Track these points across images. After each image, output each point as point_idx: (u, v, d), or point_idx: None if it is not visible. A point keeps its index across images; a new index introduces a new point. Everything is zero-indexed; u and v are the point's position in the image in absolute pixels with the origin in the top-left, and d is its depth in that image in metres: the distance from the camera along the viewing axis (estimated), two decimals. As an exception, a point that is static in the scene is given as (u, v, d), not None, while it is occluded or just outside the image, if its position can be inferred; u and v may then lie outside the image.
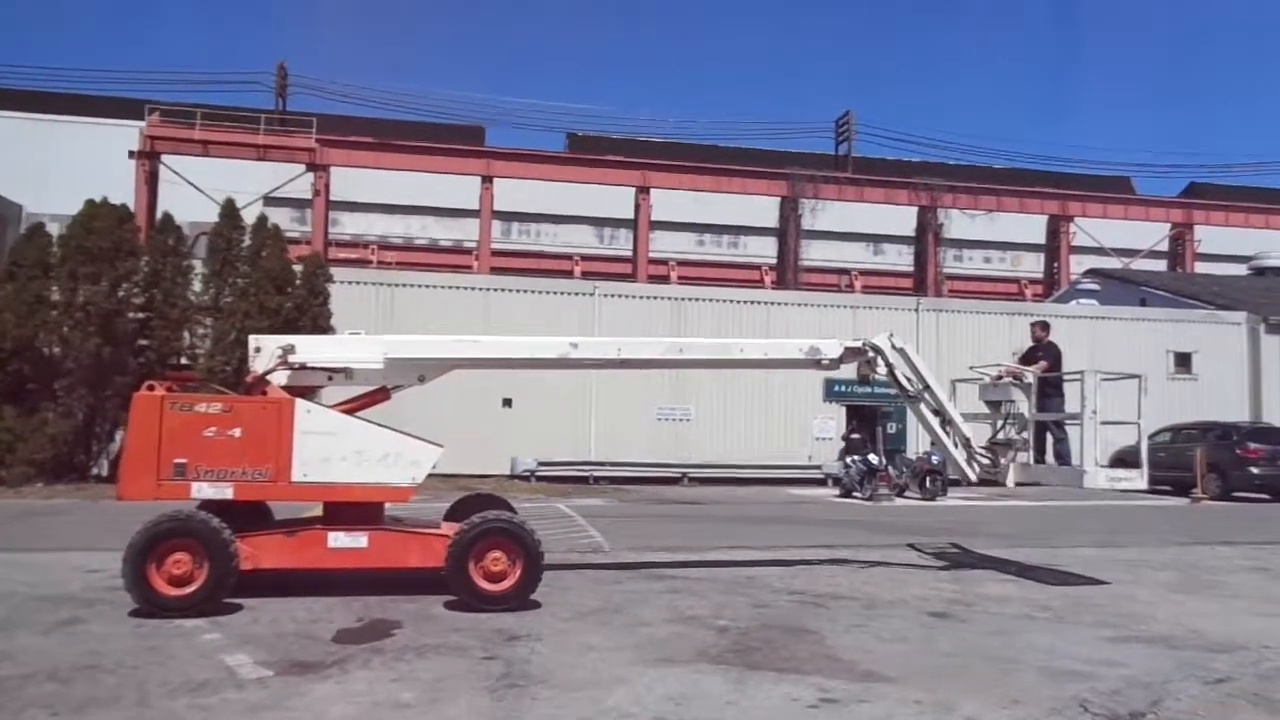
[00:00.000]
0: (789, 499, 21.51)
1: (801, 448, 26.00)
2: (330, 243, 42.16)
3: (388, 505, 8.24)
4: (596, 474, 24.55)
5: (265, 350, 8.35)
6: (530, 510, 11.76)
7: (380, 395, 8.80)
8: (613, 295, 27.06)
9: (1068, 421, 10.54)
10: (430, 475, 8.21)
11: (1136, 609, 8.45)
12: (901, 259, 52.39)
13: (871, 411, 26.50)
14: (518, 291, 26.59)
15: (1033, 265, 52.75)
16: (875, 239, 55.06)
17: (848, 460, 22.20)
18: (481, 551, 7.66)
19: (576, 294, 27.21)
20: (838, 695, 5.58)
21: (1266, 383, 29.60)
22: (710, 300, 27.21)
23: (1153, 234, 49.85)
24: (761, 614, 7.87)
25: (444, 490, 14.85)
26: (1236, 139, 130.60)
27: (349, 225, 50.23)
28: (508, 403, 24.77)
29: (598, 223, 53.17)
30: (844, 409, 26.65)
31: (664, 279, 45.83)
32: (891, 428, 26.49)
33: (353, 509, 7.94)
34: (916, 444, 25.37)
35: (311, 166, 41.13)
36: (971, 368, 11.45)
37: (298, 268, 21.85)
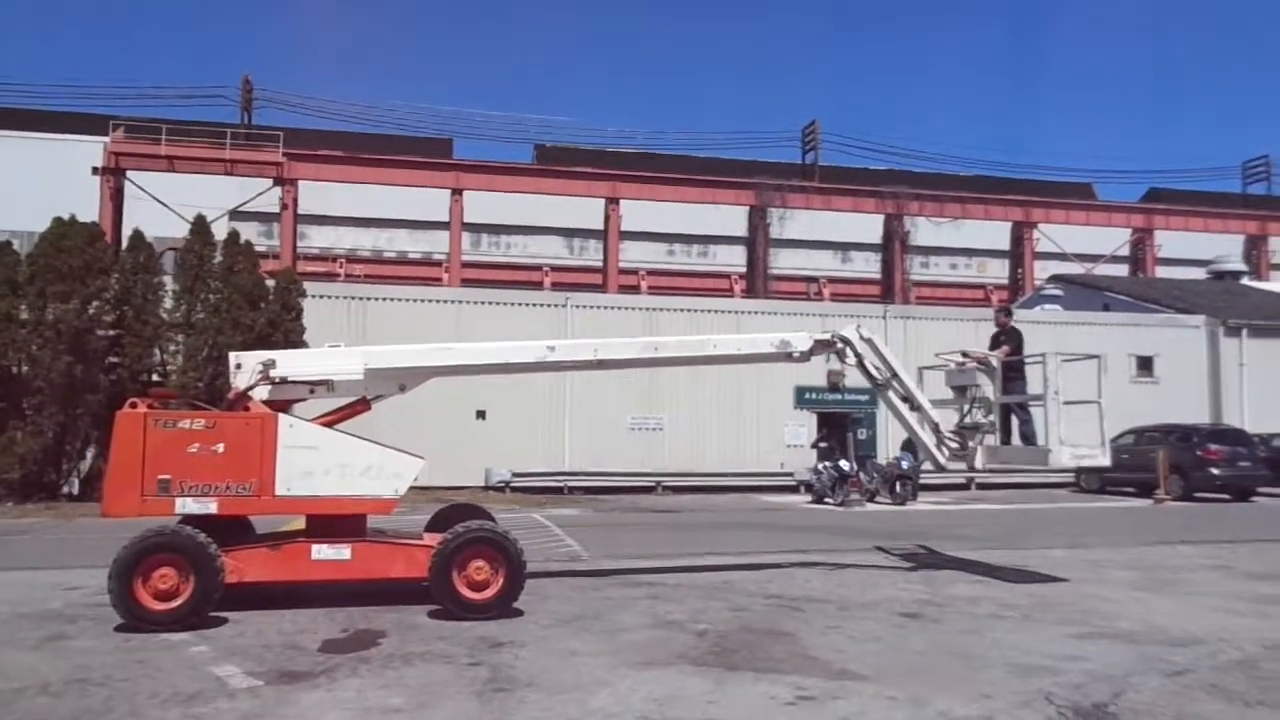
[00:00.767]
0: (762, 506, 21.74)
1: (774, 455, 26.24)
2: (299, 256, 41.99)
3: (370, 517, 8.35)
4: (571, 484, 24.66)
5: (246, 366, 8.44)
6: (507, 521, 11.80)
7: (361, 406, 8.92)
8: (584, 306, 27.23)
9: (1031, 403, 10.76)
10: (407, 487, 8.33)
11: (1101, 607, 8.72)
12: (869, 266, 52.93)
13: (842, 418, 26.76)
14: (489, 304, 26.70)
15: (998, 271, 53.51)
16: (843, 247, 55.61)
17: (819, 466, 22.44)
18: (465, 561, 7.80)
19: (548, 305, 27.39)
20: (814, 693, 5.78)
21: (1226, 385, 30.22)
22: (681, 310, 27.42)
23: (1114, 239, 50.73)
24: (739, 617, 8.05)
25: (420, 502, 14.93)
26: (1195, 144, 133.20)
27: (317, 239, 50.04)
28: (481, 414, 24.88)
29: (568, 233, 53.32)
30: (815, 416, 26.91)
31: (635, 289, 46.05)
32: (862, 434, 26.76)
33: (336, 521, 8.05)
34: (887, 450, 25.74)
35: (279, 181, 40.98)
36: (937, 355, 11.71)
37: (270, 283, 21.82)
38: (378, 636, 7.18)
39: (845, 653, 6.82)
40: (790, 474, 25.41)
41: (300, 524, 8.40)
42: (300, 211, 42.67)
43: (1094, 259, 49.59)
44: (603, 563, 11.43)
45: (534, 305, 27.35)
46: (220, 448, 7.63)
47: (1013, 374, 10.92)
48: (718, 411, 26.37)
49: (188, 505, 7.58)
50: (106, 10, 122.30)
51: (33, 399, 19.28)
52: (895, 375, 10.55)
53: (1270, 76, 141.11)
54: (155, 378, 20.44)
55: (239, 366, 8.47)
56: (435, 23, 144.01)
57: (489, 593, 7.82)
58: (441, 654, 6.65)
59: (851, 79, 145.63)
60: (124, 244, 25.03)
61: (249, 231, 31.25)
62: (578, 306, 26.94)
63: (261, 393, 8.31)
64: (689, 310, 27.48)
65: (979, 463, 10.63)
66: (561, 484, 24.59)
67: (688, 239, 55.08)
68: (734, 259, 51.83)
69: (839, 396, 26.88)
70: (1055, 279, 40.53)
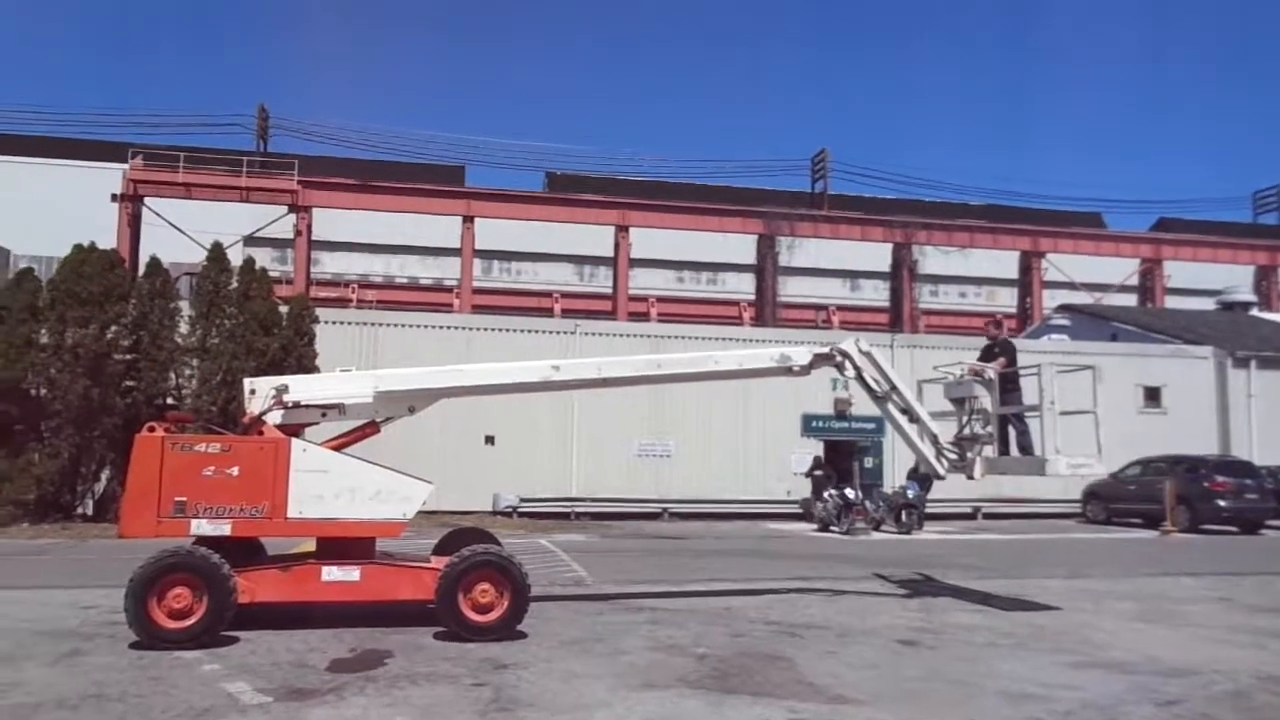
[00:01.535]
0: (767, 533, 21.84)
1: (780, 483, 26.34)
2: (312, 281, 42.37)
3: (379, 540, 8.55)
4: (578, 509, 24.81)
5: (260, 391, 8.68)
6: (513, 546, 12.01)
7: (370, 429, 9.13)
8: (593, 334, 27.47)
9: (1028, 414, 10.83)
10: (414, 511, 8.52)
11: (1097, 636, 8.83)
12: (878, 294, 53.13)
13: (848, 447, 26.92)
14: (499, 331, 26.98)
15: (1007, 300, 53.54)
16: (852, 275, 55.86)
17: (825, 494, 22.53)
18: (470, 584, 7.99)
19: (557, 332, 27.63)
20: (808, 716, 5.93)
21: (1235, 416, 30.20)
22: (690, 338, 27.61)
23: (1123, 269, 50.77)
24: (738, 642, 8.20)
25: (427, 527, 15.08)
26: (1206, 175, 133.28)
27: (330, 264, 50.55)
28: (490, 440, 25.08)
29: (578, 260, 53.73)
30: (821, 444, 27.06)
31: (644, 315, 46.27)
32: (869, 462, 26.91)
33: (346, 544, 8.25)
34: (893, 478, 25.81)
35: (293, 208, 41.39)
36: (935, 367, 11.91)
37: (284, 309, 22.15)
38: (385, 656, 7.36)
39: (841, 678, 6.96)
40: (796, 501, 25.48)
41: (310, 546, 8.59)
42: (314, 237, 43.10)
43: (1103, 288, 49.64)
44: (606, 587, 11.59)
45: (543, 332, 27.60)
46: (235, 471, 7.85)
47: (1009, 386, 11.04)
48: (724, 439, 26.52)
49: (202, 527, 7.80)
50: (126, 40, 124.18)
51: (50, 421, 19.59)
52: (894, 388, 10.76)
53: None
54: (170, 401, 20.73)
55: (253, 392, 8.70)
56: (448, 51, 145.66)
57: (493, 615, 8.00)
58: (446, 674, 6.82)
59: (860, 108, 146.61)
60: (141, 269, 25.43)
61: (263, 257, 31.73)
62: (587, 334, 27.19)
63: (275, 417, 8.53)
64: (697, 338, 27.66)
65: (977, 473, 10.76)
66: (568, 509, 24.73)
67: (697, 266, 55.42)
68: (743, 286, 52.09)
69: (846, 424, 27.10)
70: (1063, 309, 40.59)
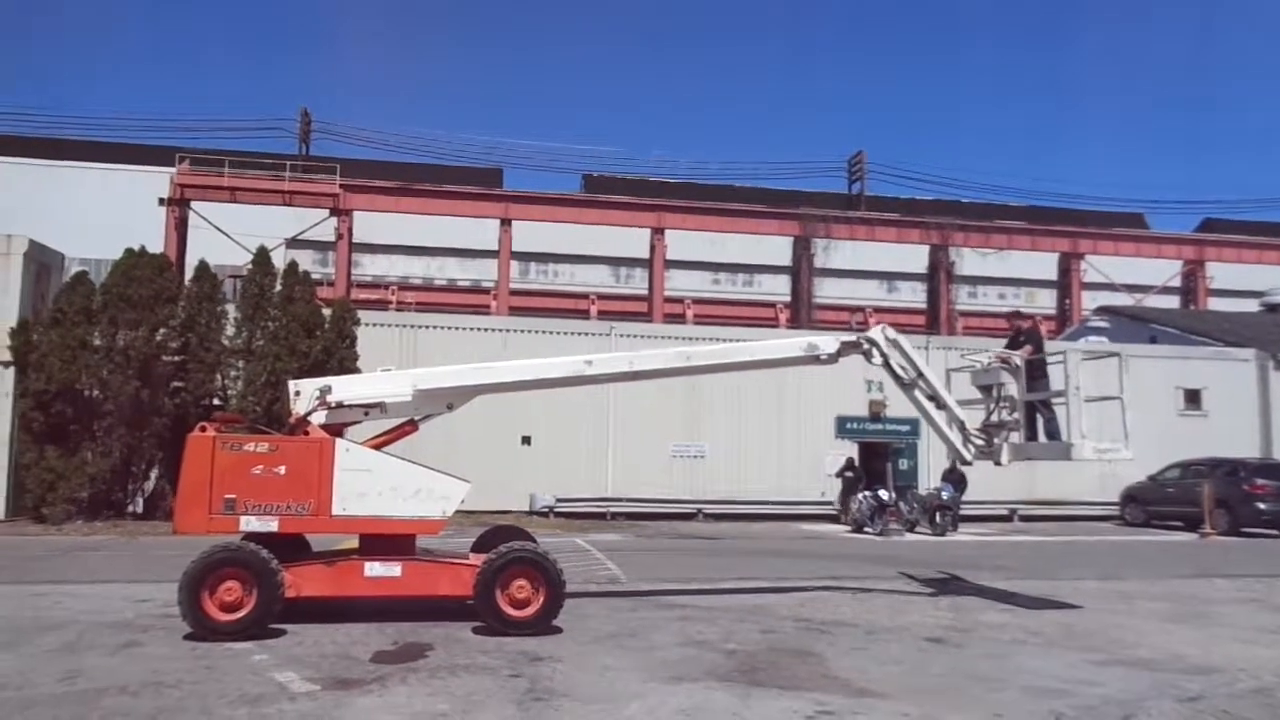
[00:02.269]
0: (801, 534, 21.96)
1: (814, 484, 26.44)
2: (352, 284, 43.02)
3: (419, 537, 8.84)
4: (613, 510, 25.08)
5: (305, 393, 8.99)
6: (549, 544, 12.24)
7: (409, 428, 9.43)
8: (628, 335, 27.70)
9: (1054, 400, 10.87)
10: (453, 510, 8.80)
11: (1124, 636, 8.93)
12: (915, 296, 52.83)
13: (883, 448, 26.93)
14: (536, 332, 27.31)
15: (1047, 301, 53.02)
16: (888, 276, 55.60)
17: (858, 496, 22.60)
18: (507, 580, 8.26)
19: (593, 334, 27.92)
20: (833, 709, 6.12)
21: (1276, 419, 29.82)
22: (724, 340, 27.61)
23: (1165, 270, 50.11)
24: (768, 639, 8.40)
25: (465, 526, 15.38)
26: (1250, 174, 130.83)
27: (370, 267, 51.24)
28: (526, 440, 25.43)
29: (614, 262, 53.97)
30: (856, 446, 27.09)
31: (680, 317, 46.44)
32: (903, 464, 26.91)
33: (387, 541, 8.54)
34: (928, 480, 25.81)
35: (335, 211, 42.08)
36: (963, 355, 12.00)
37: (326, 312, 22.61)
38: (425, 649, 7.65)
39: (867, 673, 7.15)
40: (830, 502, 25.56)
41: (353, 543, 8.89)
42: (354, 240, 43.75)
43: (1144, 290, 49.03)
44: (640, 585, 11.83)
45: (579, 334, 27.89)
46: (282, 470, 8.17)
47: (1036, 373, 11.10)
48: (759, 440, 26.65)
49: (251, 523, 8.13)
50: (173, 46, 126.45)
51: (102, 421, 20.17)
52: (921, 375, 10.91)
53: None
54: (216, 402, 21.27)
55: (298, 393, 9.01)
56: (485, 56, 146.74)
57: (530, 610, 8.26)
58: (484, 666, 7.09)
59: (898, 109, 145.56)
60: (187, 271, 26.05)
61: (305, 259, 32.26)
62: (622, 335, 27.43)
63: (319, 417, 8.84)
64: (733, 340, 27.73)
65: (1004, 459, 10.84)
66: (604, 509, 25.00)
67: (733, 268, 55.47)
68: (779, 288, 52.07)
69: (880, 426, 27.12)
70: (1102, 310, 40.21)
